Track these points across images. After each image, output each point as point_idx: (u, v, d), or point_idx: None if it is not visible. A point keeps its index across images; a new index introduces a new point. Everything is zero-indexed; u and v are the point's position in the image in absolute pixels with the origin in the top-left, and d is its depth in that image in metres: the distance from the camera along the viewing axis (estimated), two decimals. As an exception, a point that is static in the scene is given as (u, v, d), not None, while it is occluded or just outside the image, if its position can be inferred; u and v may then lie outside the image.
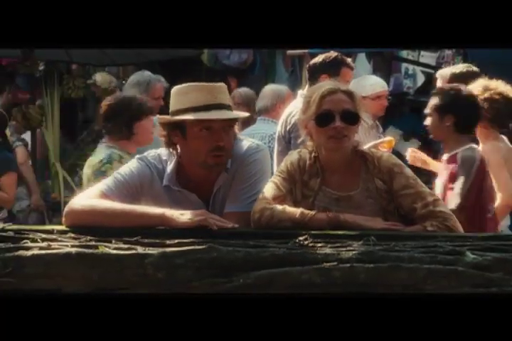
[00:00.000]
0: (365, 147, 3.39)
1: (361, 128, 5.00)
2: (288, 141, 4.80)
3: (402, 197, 2.86)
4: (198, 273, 2.35)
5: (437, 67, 8.53)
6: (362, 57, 8.13)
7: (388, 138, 4.71)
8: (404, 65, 8.73)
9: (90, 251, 2.43)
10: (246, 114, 3.09)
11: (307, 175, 2.93)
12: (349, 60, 5.05)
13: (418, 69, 8.78)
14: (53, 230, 2.65)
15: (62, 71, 8.94)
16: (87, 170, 4.21)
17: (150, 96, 5.43)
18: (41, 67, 8.14)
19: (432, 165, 4.57)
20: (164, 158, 3.02)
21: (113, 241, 2.50)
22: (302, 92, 4.91)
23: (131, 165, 3.00)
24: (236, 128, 3.01)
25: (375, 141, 4.72)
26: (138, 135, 4.24)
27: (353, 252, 2.36)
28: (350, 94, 2.91)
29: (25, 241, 2.50)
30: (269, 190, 2.87)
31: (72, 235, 2.59)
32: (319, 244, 2.44)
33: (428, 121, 4.15)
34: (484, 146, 4.26)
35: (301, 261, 2.35)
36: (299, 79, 8.40)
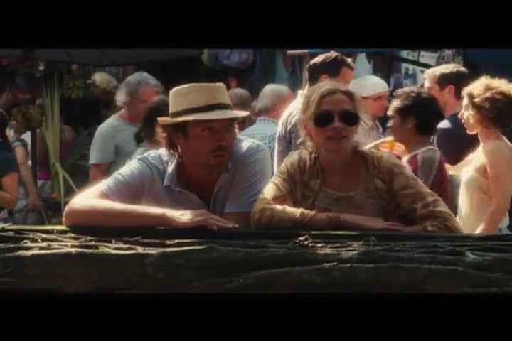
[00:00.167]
0: (366, 147, 3.40)
1: (361, 129, 5.01)
2: (288, 141, 4.80)
3: (402, 197, 2.86)
4: (198, 273, 2.35)
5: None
6: (362, 57, 8.14)
7: (389, 138, 4.71)
8: (404, 65, 8.74)
9: (90, 251, 2.43)
10: (247, 113, 3.09)
11: (307, 175, 2.93)
12: (349, 60, 5.06)
13: (418, 69, 8.78)
14: (53, 230, 2.65)
15: (62, 71, 8.95)
16: None
17: (137, 98, 5.44)
18: (41, 67, 8.14)
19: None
20: (165, 158, 3.02)
21: (113, 241, 2.50)
22: (302, 92, 4.91)
23: (131, 166, 3.01)
24: (236, 127, 3.01)
25: (376, 142, 4.72)
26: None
27: (353, 252, 2.36)
28: (349, 95, 2.91)
29: (25, 241, 2.51)
30: (269, 190, 2.87)
31: (72, 235, 2.59)
32: (319, 244, 2.44)
33: (390, 123, 4.24)
34: (486, 146, 4.26)
35: (301, 261, 2.35)
36: (299, 79, 8.40)
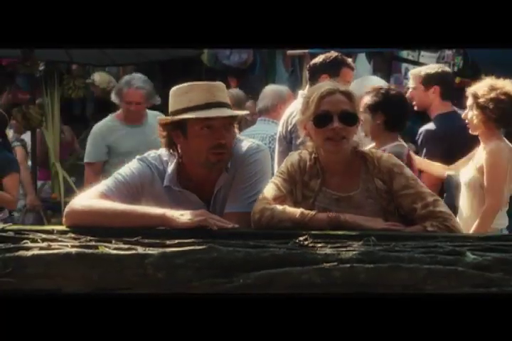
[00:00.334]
0: (368, 147, 3.40)
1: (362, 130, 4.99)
2: (289, 141, 4.80)
3: (402, 197, 2.86)
4: (198, 273, 2.35)
5: (437, 67, 8.53)
6: (362, 57, 8.13)
7: None
8: (404, 65, 8.73)
9: (90, 251, 2.43)
10: (246, 112, 3.09)
11: (307, 175, 2.93)
12: (349, 60, 5.05)
13: (418, 69, 8.76)
14: (53, 230, 2.65)
15: (62, 71, 8.95)
16: None
17: (123, 99, 5.50)
18: (41, 67, 8.14)
19: (416, 162, 4.55)
20: (165, 158, 3.02)
21: (113, 241, 2.50)
22: (303, 92, 4.91)
23: (131, 166, 3.01)
24: (236, 127, 3.01)
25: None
26: None
27: (353, 252, 2.36)
28: (348, 95, 2.91)
29: (25, 241, 2.50)
30: (269, 190, 2.87)
31: (72, 235, 2.59)
32: (319, 244, 2.44)
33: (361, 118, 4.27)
34: (487, 146, 4.26)
35: (301, 261, 2.35)
36: (299, 79, 8.40)
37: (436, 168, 4.66)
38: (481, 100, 4.18)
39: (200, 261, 2.36)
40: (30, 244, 2.48)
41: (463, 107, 4.59)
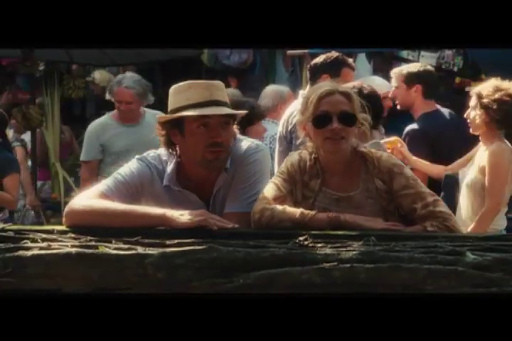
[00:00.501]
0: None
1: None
2: (289, 141, 4.80)
3: (402, 197, 2.86)
4: (198, 273, 2.35)
5: (437, 67, 8.54)
6: (362, 57, 8.13)
7: (393, 137, 4.69)
8: (404, 65, 8.72)
9: (90, 251, 2.43)
10: (243, 112, 3.09)
11: (307, 175, 2.93)
12: (350, 60, 5.05)
13: (418, 69, 8.76)
14: (53, 230, 2.65)
15: (62, 71, 8.95)
16: None
17: (114, 98, 5.53)
18: (41, 67, 8.15)
19: (412, 162, 4.56)
20: (164, 158, 3.02)
21: (113, 241, 2.50)
22: (303, 92, 4.91)
23: (131, 166, 3.01)
24: (235, 127, 3.01)
25: (383, 140, 4.70)
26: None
27: (353, 252, 2.36)
28: (348, 95, 2.91)
29: (25, 241, 2.50)
30: (269, 190, 2.87)
31: (72, 235, 2.59)
32: (319, 244, 2.44)
33: None
34: (489, 148, 4.25)
35: (301, 261, 2.35)
36: (299, 79, 8.41)
37: (434, 169, 4.66)
38: (485, 100, 4.18)
39: (200, 261, 2.36)
40: (30, 244, 2.48)
41: (463, 107, 4.59)
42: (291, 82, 8.38)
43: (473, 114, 4.27)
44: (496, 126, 4.24)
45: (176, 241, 2.47)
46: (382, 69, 8.37)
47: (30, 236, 2.54)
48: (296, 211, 2.78)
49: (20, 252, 2.42)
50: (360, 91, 4.14)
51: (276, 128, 5.23)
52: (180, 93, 2.92)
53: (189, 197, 2.97)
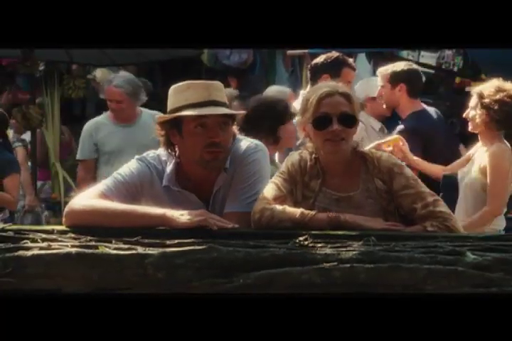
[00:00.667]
0: (369, 146, 3.39)
1: (370, 132, 4.99)
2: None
3: (402, 197, 2.86)
4: (198, 273, 2.35)
5: (437, 67, 8.54)
6: (362, 57, 8.13)
7: (394, 136, 4.68)
8: (404, 65, 8.71)
9: (90, 251, 2.43)
10: (241, 112, 3.08)
11: (308, 176, 2.93)
12: (351, 60, 5.06)
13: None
14: (53, 230, 2.65)
15: (62, 71, 8.95)
16: None
17: (104, 97, 5.58)
18: (41, 67, 8.15)
19: (412, 160, 4.56)
20: (163, 158, 3.02)
21: (113, 241, 2.50)
22: (304, 92, 4.91)
23: (130, 166, 3.01)
24: (235, 128, 3.01)
25: (379, 141, 4.70)
26: (282, 139, 4.03)
27: (353, 252, 2.36)
28: (347, 96, 2.91)
29: (25, 241, 2.50)
30: (269, 190, 2.87)
31: (72, 235, 2.59)
32: (319, 244, 2.44)
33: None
34: (489, 148, 4.25)
35: (301, 261, 2.35)
36: (299, 79, 8.41)
37: (434, 169, 4.66)
38: (486, 100, 4.18)
39: (200, 261, 2.36)
40: (30, 244, 2.48)
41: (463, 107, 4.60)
42: (291, 82, 8.39)
43: (473, 113, 4.27)
44: (496, 127, 4.24)
45: (176, 241, 2.47)
46: (382, 69, 8.37)
47: (30, 236, 2.54)
48: (296, 211, 2.78)
49: (20, 252, 2.42)
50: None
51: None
52: (179, 93, 2.92)
53: (189, 197, 2.97)
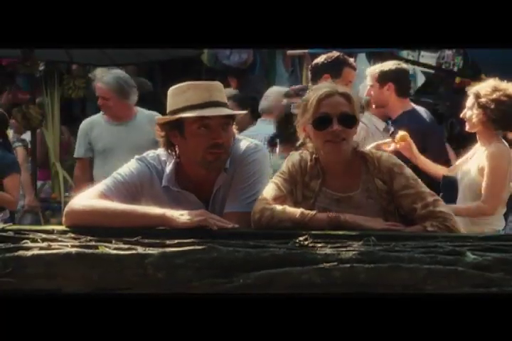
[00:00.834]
0: (370, 146, 3.38)
1: (374, 132, 4.97)
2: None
3: (402, 197, 2.86)
4: (198, 273, 2.35)
5: (437, 67, 8.54)
6: (362, 57, 8.13)
7: (402, 132, 4.66)
8: (404, 65, 8.71)
9: (90, 251, 2.43)
10: (243, 112, 3.08)
11: (308, 176, 2.93)
12: (351, 60, 5.06)
13: (418, 69, 8.77)
14: (53, 230, 2.65)
15: (62, 71, 8.95)
16: None
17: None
18: (41, 67, 8.15)
19: (419, 159, 4.56)
20: (163, 158, 3.02)
21: (113, 241, 2.50)
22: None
23: (130, 166, 3.00)
24: (235, 128, 3.01)
25: (379, 141, 4.69)
26: None
27: (353, 252, 2.36)
28: (347, 97, 2.91)
29: (25, 241, 2.50)
30: (269, 190, 2.87)
31: (72, 235, 2.59)
32: (319, 244, 2.44)
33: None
34: (488, 148, 4.25)
35: (301, 261, 2.35)
36: (299, 79, 8.40)
37: (438, 169, 4.66)
38: (482, 100, 4.18)
39: (200, 261, 2.36)
40: (30, 244, 2.48)
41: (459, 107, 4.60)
42: (291, 82, 8.38)
43: (470, 113, 4.27)
44: (493, 126, 4.24)
45: (176, 241, 2.47)
46: (382, 69, 8.37)
47: (30, 236, 2.54)
48: (296, 211, 2.78)
49: (20, 252, 2.42)
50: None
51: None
52: (179, 94, 2.91)
53: (188, 197, 2.97)
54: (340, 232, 2.60)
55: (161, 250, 2.41)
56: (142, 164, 3.00)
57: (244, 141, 3.04)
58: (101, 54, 7.58)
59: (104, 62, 8.38)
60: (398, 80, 4.99)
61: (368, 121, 5.25)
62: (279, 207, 2.79)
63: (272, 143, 4.81)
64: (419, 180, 2.94)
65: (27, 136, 7.61)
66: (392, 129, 5.21)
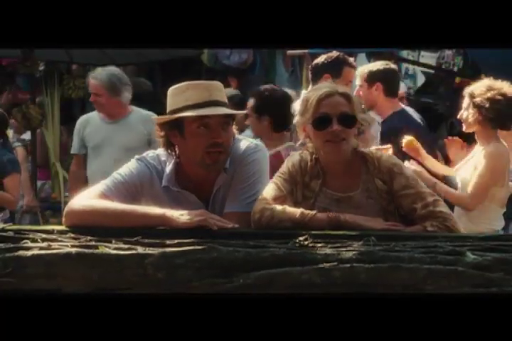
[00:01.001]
0: (373, 149, 3.38)
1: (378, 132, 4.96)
2: (287, 140, 4.80)
3: (402, 197, 2.86)
4: (198, 273, 2.35)
5: (437, 67, 8.54)
6: (362, 57, 8.14)
7: (408, 137, 4.66)
8: (404, 65, 8.73)
9: (90, 251, 2.43)
10: (242, 112, 3.08)
11: (308, 176, 2.93)
12: (351, 59, 5.06)
13: (418, 69, 8.78)
14: (53, 230, 2.65)
15: (62, 71, 8.95)
16: None
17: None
18: (41, 67, 8.15)
19: (427, 160, 4.56)
20: (163, 158, 3.02)
21: (113, 241, 2.50)
22: (304, 92, 4.91)
23: (130, 166, 3.00)
24: (234, 128, 3.01)
25: (383, 146, 4.68)
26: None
27: (353, 252, 2.36)
28: (347, 97, 2.91)
29: (25, 241, 2.50)
30: (269, 190, 2.87)
31: (72, 235, 2.59)
32: (319, 244, 2.44)
33: (248, 121, 4.54)
34: (486, 148, 4.25)
35: (301, 261, 2.35)
36: (299, 79, 8.41)
37: (444, 169, 4.67)
38: (477, 99, 4.20)
39: (200, 261, 2.36)
40: (30, 244, 2.48)
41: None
42: (291, 82, 8.39)
43: (466, 113, 4.29)
44: (490, 125, 4.25)
45: (176, 241, 2.47)
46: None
47: (30, 236, 2.54)
48: (296, 211, 2.78)
49: (20, 252, 2.42)
50: (272, 94, 4.42)
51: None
52: (178, 94, 2.91)
53: (188, 197, 2.97)
54: (340, 232, 2.60)
55: (161, 250, 2.41)
56: (142, 164, 3.00)
57: (244, 141, 3.04)
58: (101, 54, 7.58)
59: (104, 62, 8.37)
60: (386, 80, 5.00)
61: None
62: (279, 207, 2.79)
63: None
64: (419, 180, 2.94)
65: (27, 136, 7.61)
66: (380, 129, 5.23)
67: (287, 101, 4.47)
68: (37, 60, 7.39)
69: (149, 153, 3.06)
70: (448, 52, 8.21)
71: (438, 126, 8.26)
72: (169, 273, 2.36)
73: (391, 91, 5.04)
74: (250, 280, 2.32)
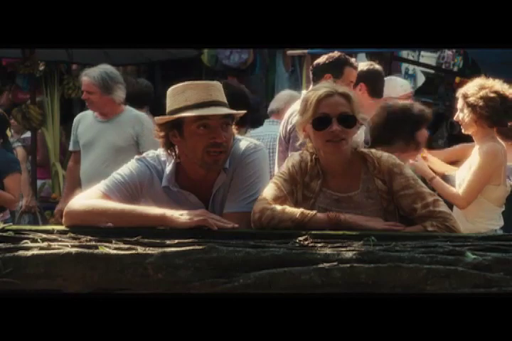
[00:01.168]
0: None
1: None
2: (288, 140, 4.80)
3: (402, 197, 2.86)
4: (198, 273, 2.35)
5: (437, 67, 8.55)
6: (362, 57, 8.14)
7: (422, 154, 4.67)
8: (404, 65, 8.74)
9: (90, 251, 2.43)
10: (242, 112, 3.08)
11: (308, 176, 2.93)
12: (353, 59, 5.06)
13: (418, 69, 8.78)
14: (53, 230, 2.65)
15: (62, 71, 8.95)
16: None
17: None
18: (41, 67, 8.14)
19: (429, 159, 4.56)
20: (163, 159, 3.02)
21: (113, 241, 2.50)
22: (305, 92, 4.91)
23: (130, 166, 3.00)
24: (234, 128, 3.01)
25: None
26: (420, 144, 3.96)
27: (354, 252, 2.36)
28: (347, 97, 2.91)
29: (25, 241, 2.50)
30: (270, 190, 2.87)
31: (72, 235, 2.59)
32: (319, 244, 2.44)
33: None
34: (482, 147, 4.26)
35: (301, 261, 2.35)
36: (299, 79, 8.41)
37: (447, 169, 4.67)
38: (470, 99, 4.20)
39: (200, 261, 2.36)
40: (30, 244, 2.48)
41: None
42: (291, 82, 8.40)
43: (462, 114, 4.29)
44: (486, 124, 4.25)
45: (176, 241, 2.47)
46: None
47: (30, 236, 2.54)
48: (297, 211, 2.78)
49: (20, 252, 2.42)
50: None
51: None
52: (178, 94, 2.91)
53: (188, 197, 2.97)
54: (340, 232, 2.61)
55: (161, 250, 2.41)
56: (142, 164, 3.00)
57: (244, 141, 3.04)
58: (101, 54, 7.58)
59: (104, 62, 8.38)
60: (370, 81, 5.02)
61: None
62: (279, 207, 2.79)
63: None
64: (419, 180, 2.94)
65: (27, 135, 7.61)
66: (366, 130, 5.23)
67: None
68: (37, 60, 7.39)
69: (149, 153, 3.06)
70: (448, 52, 8.22)
71: (438, 126, 8.27)
72: (169, 273, 2.36)
73: (375, 91, 5.06)
74: (250, 281, 2.32)
